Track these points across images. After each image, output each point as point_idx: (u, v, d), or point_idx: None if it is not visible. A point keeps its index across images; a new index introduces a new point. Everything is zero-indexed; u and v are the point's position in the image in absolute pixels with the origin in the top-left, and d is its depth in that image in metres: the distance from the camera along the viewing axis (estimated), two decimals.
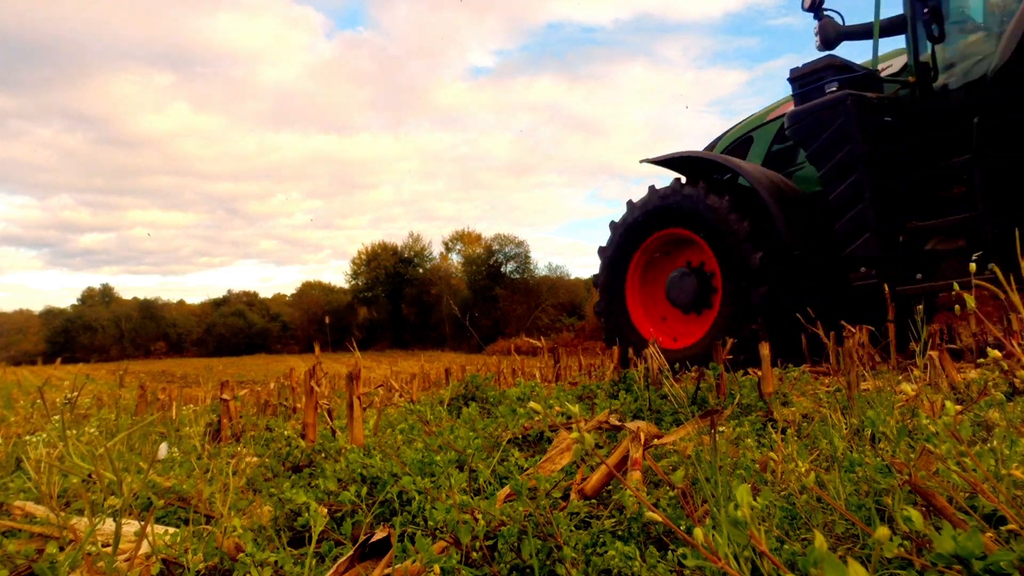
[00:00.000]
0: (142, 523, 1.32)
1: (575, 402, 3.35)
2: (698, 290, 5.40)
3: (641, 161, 5.99)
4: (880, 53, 5.40)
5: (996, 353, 1.33)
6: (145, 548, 1.43)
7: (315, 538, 1.28)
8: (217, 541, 1.48)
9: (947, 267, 4.26)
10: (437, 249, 54.05)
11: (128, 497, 1.30)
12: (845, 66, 5.12)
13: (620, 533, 1.43)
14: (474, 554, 1.38)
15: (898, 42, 5.31)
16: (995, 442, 1.26)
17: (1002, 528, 1.06)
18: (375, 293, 54.23)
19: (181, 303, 64.45)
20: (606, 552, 1.28)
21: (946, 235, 4.39)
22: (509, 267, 48.68)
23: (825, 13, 5.34)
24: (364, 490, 1.75)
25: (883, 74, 5.21)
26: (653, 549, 1.29)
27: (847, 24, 5.36)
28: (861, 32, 5.32)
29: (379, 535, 1.25)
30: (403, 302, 52.56)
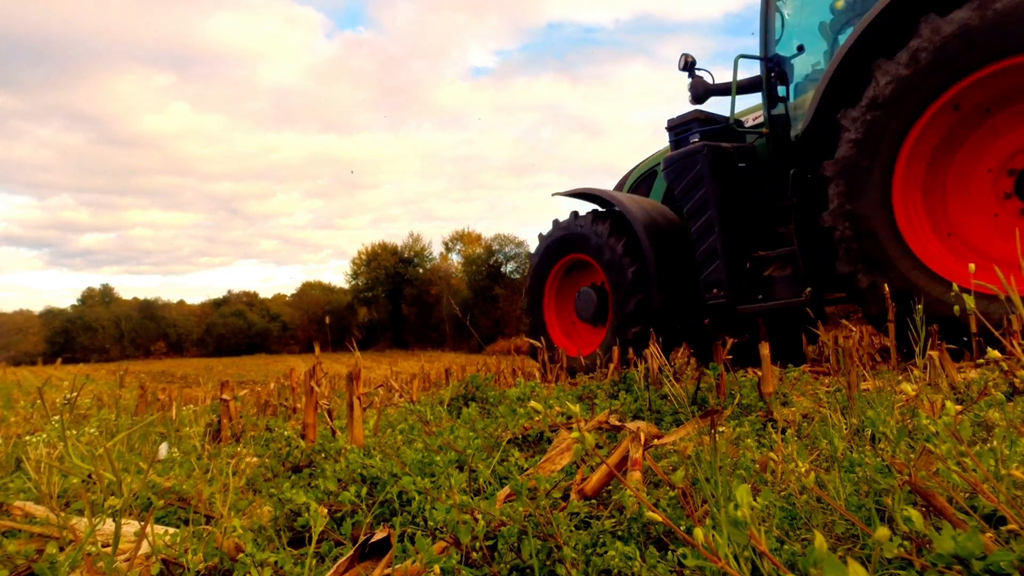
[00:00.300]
0: (142, 523, 1.32)
1: (575, 402, 3.35)
2: (598, 306, 6.21)
3: (553, 195, 7.08)
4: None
5: (996, 353, 1.33)
6: (145, 548, 1.43)
7: (315, 538, 1.28)
8: (217, 541, 1.48)
9: (779, 289, 5.07)
10: (437, 249, 54.07)
11: (128, 497, 1.30)
12: (709, 119, 6.05)
13: (620, 533, 1.43)
14: (474, 554, 1.38)
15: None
16: (995, 442, 1.26)
17: (1002, 528, 1.06)
18: (375, 293, 54.22)
19: (181, 303, 64.48)
20: (606, 552, 1.28)
21: (780, 263, 5.16)
22: (509, 267, 48.60)
23: (696, 73, 6.20)
24: (364, 490, 1.75)
25: (756, 122, 5.93)
26: (653, 549, 1.29)
27: (715, 82, 6.21)
28: (725, 90, 6.03)
29: (379, 535, 1.25)
30: (403, 302, 52.53)
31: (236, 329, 58.49)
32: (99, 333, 55.35)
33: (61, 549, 1.50)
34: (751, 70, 5.74)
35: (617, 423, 2.48)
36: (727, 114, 5.88)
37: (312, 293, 61.29)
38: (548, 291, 6.68)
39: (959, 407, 1.69)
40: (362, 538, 1.25)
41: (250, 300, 64.45)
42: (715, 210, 5.30)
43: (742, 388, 3.03)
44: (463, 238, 51.53)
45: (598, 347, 6.04)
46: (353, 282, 56.39)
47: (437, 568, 1.23)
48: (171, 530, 1.62)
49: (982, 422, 1.99)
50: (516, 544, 1.37)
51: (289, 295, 65.10)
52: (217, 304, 62.91)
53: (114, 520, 1.26)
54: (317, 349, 3.41)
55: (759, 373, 2.92)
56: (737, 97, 5.72)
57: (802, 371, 3.61)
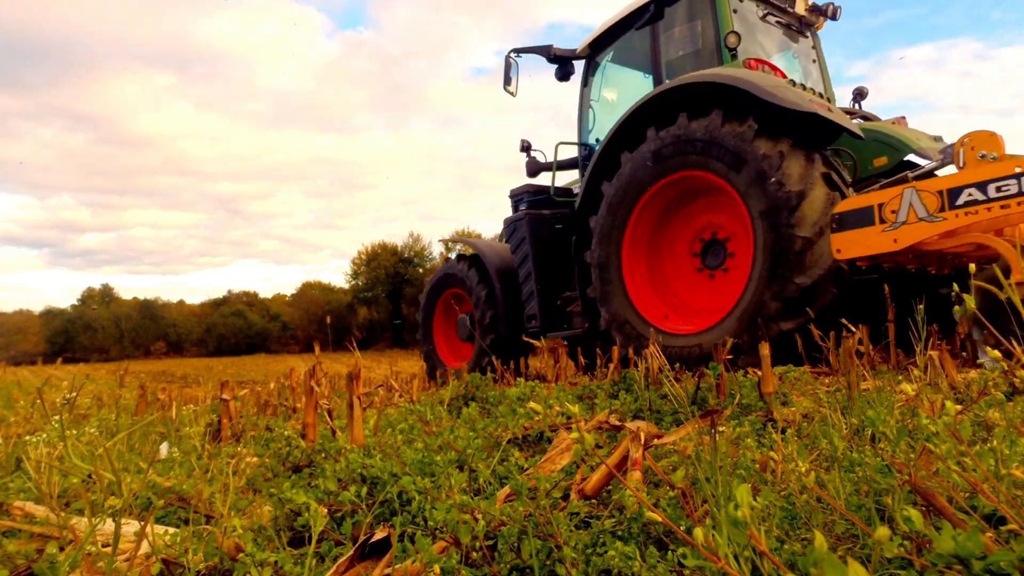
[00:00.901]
0: (142, 523, 1.32)
1: (575, 402, 3.34)
2: (471, 330, 7.92)
3: (439, 240, 10.45)
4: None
5: (996, 353, 1.33)
6: (145, 548, 1.43)
7: (315, 538, 1.28)
8: (217, 541, 1.48)
9: (575, 322, 6.84)
10: (437, 249, 54.01)
11: (128, 497, 1.31)
12: (538, 190, 7.87)
13: (620, 533, 1.43)
14: (474, 554, 1.38)
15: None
16: (995, 442, 1.26)
17: (1002, 528, 1.06)
18: (375, 293, 54.21)
19: (181, 303, 64.46)
20: (606, 552, 1.28)
21: (575, 302, 6.82)
22: None
23: (532, 153, 7.94)
24: (364, 490, 1.75)
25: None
26: (653, 549, 1.29)
27: (546, 160, 7.84)
28: (551, 167, 7.74)
29: (379, 535, 1.25)
30: (403, 302, 52.51)
31: (236, 329, 58.47)
32: (99, 333, 55.34)
33: (61, 549, 1.50)
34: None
35: (617, 423, 2.48)
36: (562, 186, 7.72)
37: (312, 293, 61.29)
38: (437, 315, 8.53)
39: (959, 407, 1.69)
40: (362, 538, 1.25)
41: (250, 300, 64.43)
42: (532, 262, 7.08)
43: (742, 388, 3.03)
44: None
45: (469, 360, 7.82)
46: (353, 282, 56.41)
47: (437, 568, 1.23)
48: (171, 530, 1.62)
49: (982, 422, 1.99)
50: (516, 544, 1.37)
51: (289, 295, 65.13)
52: (217, 304, 62.92)
53: (114, 520, 1.26)
54: (317, 349, 3.41)
55: (759, 373, 2.92)
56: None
57: (802, 371, 3.61)
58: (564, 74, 7.41)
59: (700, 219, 5.86)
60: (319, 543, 1.56)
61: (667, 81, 5.86)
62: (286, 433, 2.69)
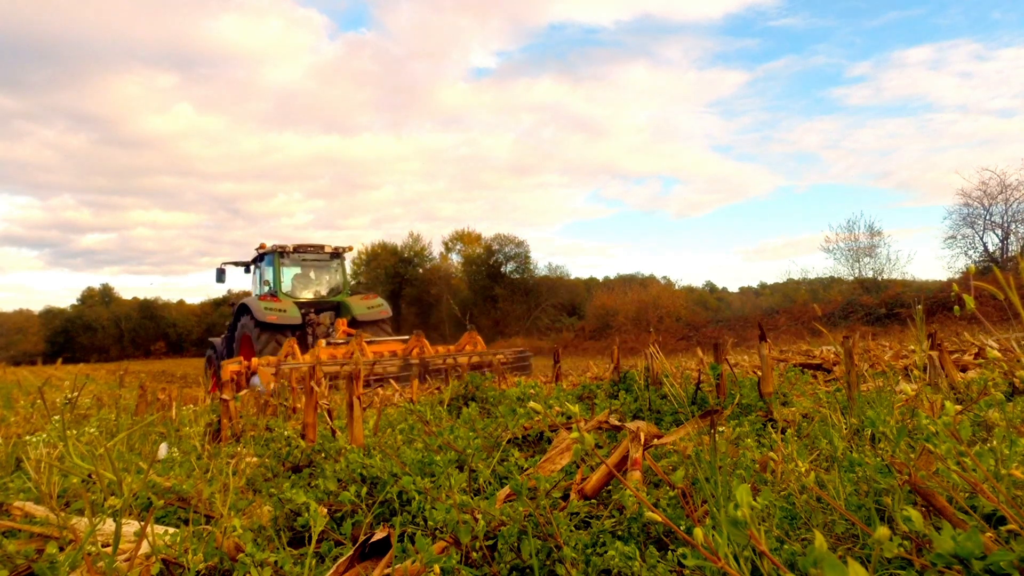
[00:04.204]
0: (142, 523, 1.32)
1: (575, 402, 3.34)
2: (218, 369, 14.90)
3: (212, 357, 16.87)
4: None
5: (996, 353, 1.33)
6: (145, 548, 1.43)
7: (315, 538, 1.28)
8: (217, 541, 1.48)
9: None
10: (437, 249, 53.96)
11: (128, 497, 1.31)
12: (244, 306, 15.03)
13: (620, 533, 1.43)
14: (474, 554, 1.38)
15: None
16: (995, 442, 1.26)
17: (1002, 528, 1.06)
18: (375, 293, 54.22)
19: (181, 303, 64.35)
20: (606, 552, 1.28)
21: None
22: (509, 267, 48.44)
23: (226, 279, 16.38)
24: (364, 490, 1.75)
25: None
26: (653, 549, 1.29)
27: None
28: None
29: (379, 535, 1.25)
30: (403, 302, 52.55)
31: None
32: (99, 333, 55.34)
33: (61, 549, 1.50)
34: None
35: (617, 423, 2.47)
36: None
37: None
38: (211, 363, 16.01)
39: (959, 407, 1.69)
40: (362, 538, 1.25)
41: None
42: (230, 334, 14.79)
43: (742, 388, 3.03)
44: (463, 238, 51.41)
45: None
46: (353, 282, 56.44)
47: (437, 568, 1.23)
48: (171, 530, 1.62)
49: (982, 422, 1.99)
50: (516, 544, 1.37)
51: None
52: (217, 304, 62.86)
53: (114, 520, 1.26)
54: (317, 349, 3.41)
55: (759, 373, 2.92)
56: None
57: (801, 371, 3.61)
58: (247, 269, 15.83)
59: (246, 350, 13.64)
60: (319, 543, 1.56)
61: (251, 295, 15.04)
62: (286, 433, 2.69)
